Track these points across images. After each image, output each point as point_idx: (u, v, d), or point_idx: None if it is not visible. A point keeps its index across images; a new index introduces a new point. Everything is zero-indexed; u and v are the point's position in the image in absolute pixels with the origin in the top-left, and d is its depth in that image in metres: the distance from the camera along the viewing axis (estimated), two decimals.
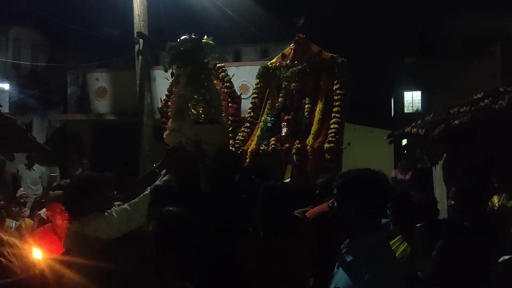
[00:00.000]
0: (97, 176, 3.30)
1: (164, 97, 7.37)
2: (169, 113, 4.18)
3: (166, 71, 4.45)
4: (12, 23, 16.05)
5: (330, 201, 2.16)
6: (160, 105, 7.43)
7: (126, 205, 3.15)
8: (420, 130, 5.04)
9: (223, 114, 6.86)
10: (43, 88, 15.41)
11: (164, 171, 3.88)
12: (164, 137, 4.20)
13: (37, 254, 3.38)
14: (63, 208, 3.49)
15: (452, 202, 3.79)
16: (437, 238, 3.47)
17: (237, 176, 3.94)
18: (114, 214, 3.05)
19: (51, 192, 4.43)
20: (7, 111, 14.26)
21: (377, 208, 2.07)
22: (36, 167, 10.45)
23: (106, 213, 3.04)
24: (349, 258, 2.05)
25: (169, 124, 4.16)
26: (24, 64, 16.14)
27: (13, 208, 6.48)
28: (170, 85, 6.66)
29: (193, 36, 4.29)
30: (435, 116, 5.53)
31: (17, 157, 10.16)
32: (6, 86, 15.74)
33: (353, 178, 2.12)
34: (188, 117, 4.04)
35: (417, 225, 3.78)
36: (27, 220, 6.21)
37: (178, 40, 4.30)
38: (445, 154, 5.02)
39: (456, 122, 4.20)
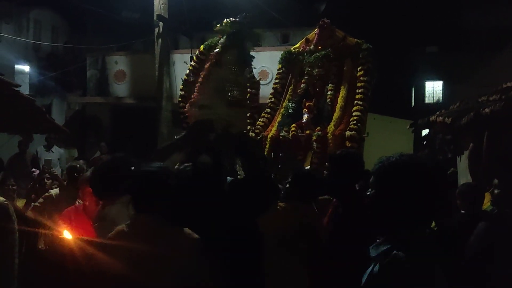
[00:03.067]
0: (123, 157, 3.26)
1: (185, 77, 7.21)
2: (196, 89, 4.15)
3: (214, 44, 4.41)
4: (33, 5, 16.08)
5: (368, 191, 1.86)
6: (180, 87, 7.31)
7: None
8: (446, 118, 4.87)
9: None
10: (63, 70, 15.44)
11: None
12: (188, 109, 4.17)
13: (67, 234, 3.37)
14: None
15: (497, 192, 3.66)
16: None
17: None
18: None
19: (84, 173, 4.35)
20: (27, 92, 14.33)
21: (423, 201, 1.75)
22: (55, 149, 10.45)
23: None
24: (381, 249, 1.77)
25: (195, 98, 4.13)
26: (44, 46, 16.18)
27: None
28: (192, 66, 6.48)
29: (243, 21, 4.27)
30: (461, 104, 5.34)
31: (36, 139, 10.21)
32: (26, 68, 15.82)
33: (395, 164, 1.77)
34: (225, 98, 4.04)
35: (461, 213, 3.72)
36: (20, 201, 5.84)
37: (229, 20, 4.29)
38: (471, 144, 4.84)
39: (487, 110, 4.01)
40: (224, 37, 4.31)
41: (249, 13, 4.36)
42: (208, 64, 4.35)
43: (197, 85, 4.24)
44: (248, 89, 7.13)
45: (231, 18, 4.33)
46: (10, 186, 5.78)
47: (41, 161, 10.14)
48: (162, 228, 2.50)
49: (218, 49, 4.24)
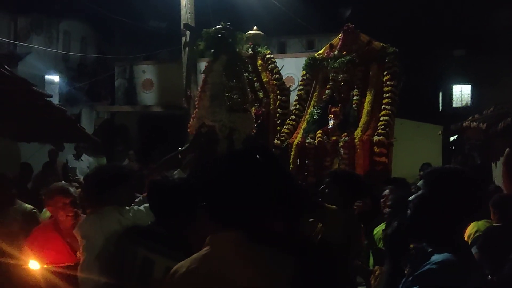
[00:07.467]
0: (120, 168, 3.18)
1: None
2: (196, 102, 4.19)
3: (201, 56, 4.55)
4: (63, 16, 16.49)
5: (411, 197, 1.90)
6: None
7: (143, 206, 2.92)
8: (481, 124, 4.78)
9: (271, 107, 6.85)
10: (92, 80, 15.75)
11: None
12: (192, 124, 4.18)
13: (34, 265, 3.18)
14: (67, 201, 3.34)
15: None
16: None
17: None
18: (131, 213, 2.86)
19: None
20: (56, 102, 14.67)
21: (467, 207, 1.85)
22: (84, 157, 10.66)
23: (125, 209, 2.86)
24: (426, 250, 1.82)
25: (197, 111, 4.15)
26: (73, 56, 16.56)
27: None
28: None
29: (228, 26, 4.33)
30: (496, 109, 5.23)
31: (66, 148, 10.44)
32: (56, 78, 16.20)
33: (450, 170, 1.92)
34: (224, 104, 4.05)
35: (493, 225, 3.64)
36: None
37: (213, 28, 4.36)
38: (507, 150, 4.74)
39: None
40: (211, 45, 4.33)
41: (228, 23, 4.35)
42: (203, 76, 4.35)
43: (196, 99, 4.28)
44: (278, 96, 7.17)
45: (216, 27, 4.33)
46: (43, 196, 5.88)
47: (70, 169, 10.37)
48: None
49: (209, 58, 4.28)
